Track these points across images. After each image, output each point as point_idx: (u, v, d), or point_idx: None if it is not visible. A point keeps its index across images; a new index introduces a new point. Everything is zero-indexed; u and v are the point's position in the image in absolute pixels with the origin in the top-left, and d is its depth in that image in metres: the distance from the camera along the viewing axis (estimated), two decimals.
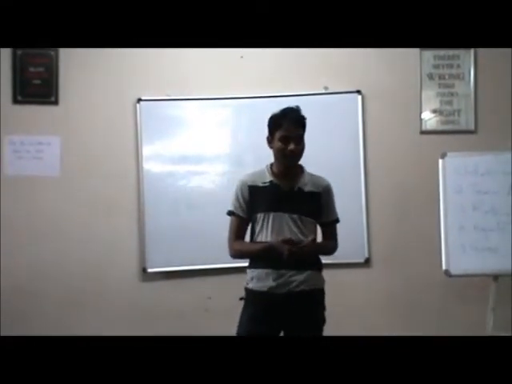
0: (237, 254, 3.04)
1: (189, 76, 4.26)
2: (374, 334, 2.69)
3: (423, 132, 4.25)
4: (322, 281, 3.01)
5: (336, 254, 3.09)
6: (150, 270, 4.17)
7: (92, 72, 4.23)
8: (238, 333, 2.95)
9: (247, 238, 3.05)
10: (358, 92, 4.22)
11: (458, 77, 4.25)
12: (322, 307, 2.98)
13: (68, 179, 4.20)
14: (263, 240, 2.94)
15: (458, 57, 4.24)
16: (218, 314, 4.08)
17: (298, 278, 2.89)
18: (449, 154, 3.91)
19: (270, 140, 2.97)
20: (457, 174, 3.87)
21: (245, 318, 2.96)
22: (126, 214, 4.20)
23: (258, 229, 2.96)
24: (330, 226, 3.07)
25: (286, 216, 2.92)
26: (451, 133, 4.22)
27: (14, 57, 4.17)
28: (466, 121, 4.23)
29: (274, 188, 2.96)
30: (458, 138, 4.19)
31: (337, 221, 3.09)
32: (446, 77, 4.25)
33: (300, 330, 2.87)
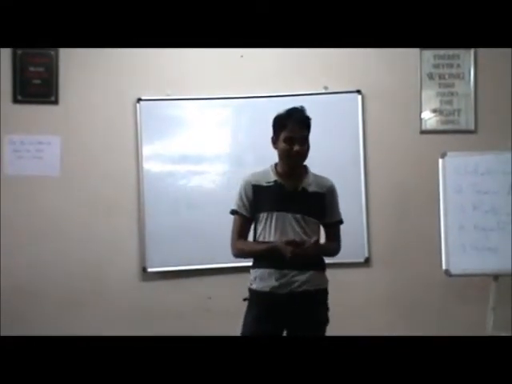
0: (239, 254, 3.03)
1: (189, 76, 4.25)
2: (374, 334, 2.68)
3: (423, 132, 4.25)
4: (326, 281, 2.99)
5: None
6: (150, 270, 4.17)
7: (92, 72, 4.23)
8: (242, 333, 2.93)
9: (250, 237, 3.04)
10: (358, 92, 4.22)
11: (458, 76, 4.25)
12: (325, 307, 2.96)
13: (68, 179, 4.19)
14: (266, 239, 2.92)
15: (458, 56, 4.24)
16: (218, 313, 4.08)
17: (300, 278, 2.88)
18: (449, 153, 3.91)
19: (275, 140, 2.95)
20: (457, 173, 3.87)
21: (249, 318, 2.95)
22: (126, 213, 4.20)
23: (260, 228, 2.95)
24: (334, 226, 3.06)
25: (289, 216, 2.91)
26: (451, 132, 4.22)
27: (14, 57, 4.16)
28: (466, 121, 4.23)
29: (277, 188, 2.95)
30: (457, 137, 4.19)
31: (340, 222, 3.08)
32: (446, 76, 4.25)
33: (302, 330, 2.85)
